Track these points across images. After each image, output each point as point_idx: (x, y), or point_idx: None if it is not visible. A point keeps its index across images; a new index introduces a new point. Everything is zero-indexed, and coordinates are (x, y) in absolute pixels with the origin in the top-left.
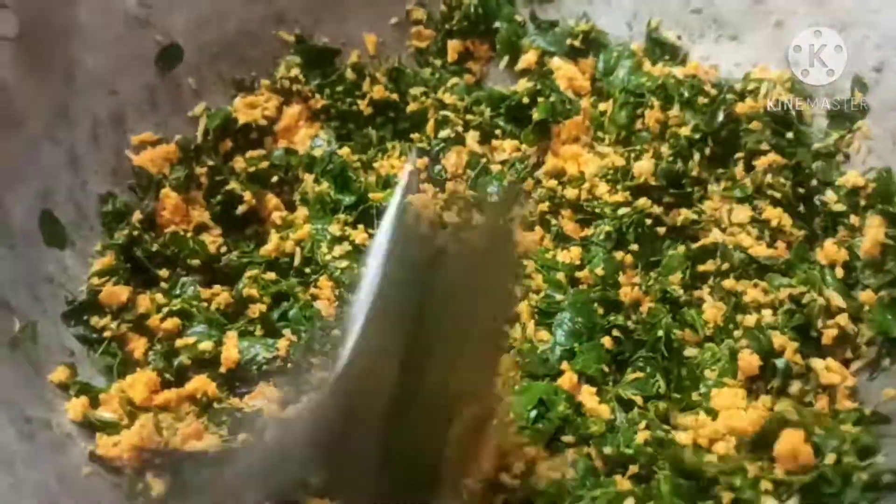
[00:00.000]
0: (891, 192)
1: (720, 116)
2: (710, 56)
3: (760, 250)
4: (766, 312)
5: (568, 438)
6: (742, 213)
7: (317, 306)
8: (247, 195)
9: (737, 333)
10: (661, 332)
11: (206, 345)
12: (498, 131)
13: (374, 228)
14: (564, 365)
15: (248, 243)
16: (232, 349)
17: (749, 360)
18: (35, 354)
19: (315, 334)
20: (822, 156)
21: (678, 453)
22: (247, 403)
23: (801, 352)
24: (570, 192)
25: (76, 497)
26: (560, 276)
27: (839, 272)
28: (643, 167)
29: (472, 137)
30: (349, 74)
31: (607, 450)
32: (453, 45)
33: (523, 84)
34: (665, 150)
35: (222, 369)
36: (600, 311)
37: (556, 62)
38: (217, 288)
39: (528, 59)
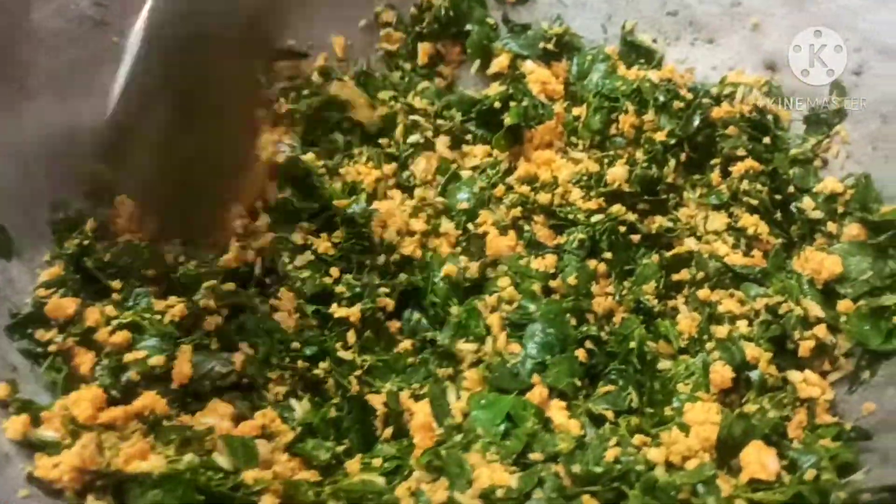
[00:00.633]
0: (869, 199)
1: (696, 121)
2: (686, 59)
3: (736, 259)
4: (742, 323)
5: (536, 456)
6: (718, 220)
7: (276, 318)
8: None
9: (709, 345)
10: (633, 344)
11: (157, 359)
12: (469, 136)
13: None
14: (535, 378)
15: (207, 254)
16: (185, 364)
17: (721, 373)
18: None
19: (274, 348)
20: (800, 161)
21: (649, 472)
22: (198, 420)
23: (778, 364)
24: (543, 198)
25: None
26: (535, 285)
27: (818, 281)
28: (617, 173)
29: (442, 143)
30: (316, 78)
31: (576, 468)
32: (424, 48)
33: (495, 88)
34: (640, 155)
35: (174, 385)
36: (573, 321)
37: (528, 66)
38: (172, 299)
39: (500, 62)
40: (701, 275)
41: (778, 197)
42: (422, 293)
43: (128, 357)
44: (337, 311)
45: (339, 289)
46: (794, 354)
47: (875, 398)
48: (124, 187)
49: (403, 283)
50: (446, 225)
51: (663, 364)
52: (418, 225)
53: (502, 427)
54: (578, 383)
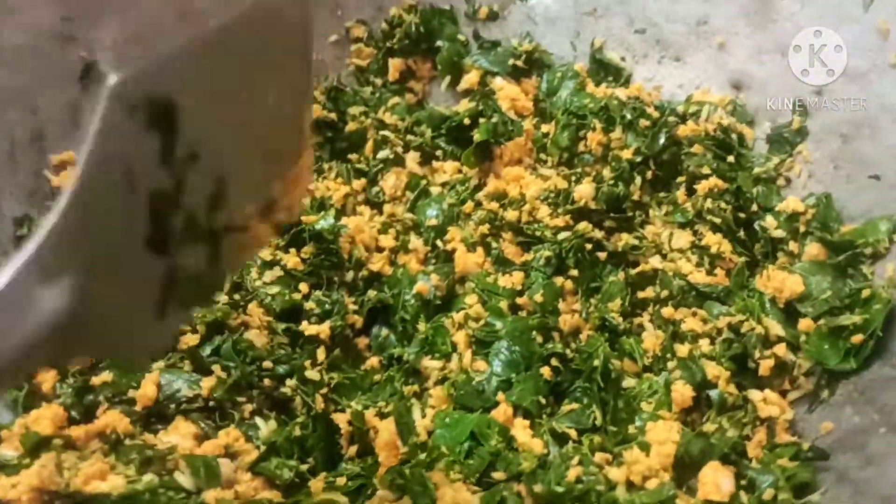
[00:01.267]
0: (830, 219)
1: (662, 139)
2: (653, 77)
3: (700, 277)
4: (704, 342)
5: (499, 475)
6: (683, 238)
7: (248, 337)
8: None
9: (671, 364)
10: (597, 362)
11: (124, 382)
12: (439, 152)
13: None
14: (500, 396)
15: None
16: (149, 385)
17: (682, 392)
18: None
19: (245, 371)
20: (763, 180)
21: (610, 491)
22: (160, 440)
23: (738, 383)
24: (511, 215)
25: None
26: (502, 302)
27: (780, 300)
28: (584, 191)
29: (412, 158)
30: None
31: (537, 487)
32: (394, 64)
33: (465, 104)
34: (607, 173)
35: (137, 407)
36: (539, 339)
37: (498, 82)
38: None
39: (470, 78)
40: (665, 293)
41: (742, 215)
42: (391, 310)
43: (95, 379)
44: (308, 328)
45: (309, 305)
46: (755, 373)
47: (833, 418)
48: None
49: (372, 300)
50: (415, 241)
51: (628, 382)
52: (387, 241)
53: (466, 445)
54: (543, 401)
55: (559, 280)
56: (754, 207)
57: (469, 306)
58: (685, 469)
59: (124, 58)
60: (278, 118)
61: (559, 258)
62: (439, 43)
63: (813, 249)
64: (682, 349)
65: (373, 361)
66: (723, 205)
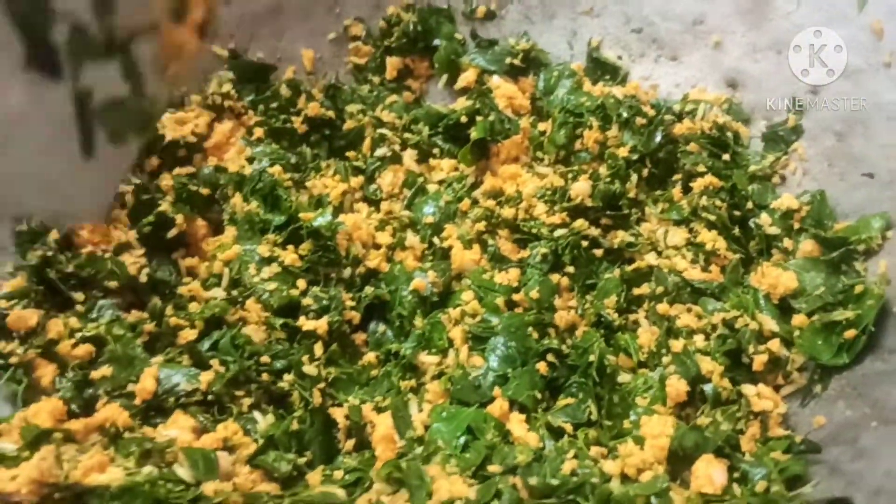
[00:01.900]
0: (823, 216)
1: (658, 137)
2: (650, 76)
3: (695, 274)
4: (699, 338)
5: (495, 468)
6: (678, 235)
7: (246, 332)
8: (178, 219)
9: (666, 359)
10: (593, 358)
11: (123, 376)
12: (436, 150)
13: (305, 250)
14: (496, 391)
15: (171, 269)
16: (148, 379)
17: (676, 387)
18: None
19: (243, 366)
20: (758, 178)
21: (605, 484)
22: (159, 433)
23: (732, 378)
24: (507, 212)
25: None
26: (498, 299)
27: (774, 296)
28: (580, 188)
29: (409, 156)
30: (284, 91)
31: (533, 480)
32: (392, 62)
33: (462, 102)
34: (603, 170)
35: (136, 401)
36: (535, 335)
37: (495, 81)
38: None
39: (467, 77)
40: (660, 289)
41: (737, 213)
42: (388, 306)
43: (94, 374)
44: (305, 323)
45: (307, 301)
46: (749, 369)
47: (826, 412)
48: None
49: (370, 297)
50: (412, 238)
51: (623, 377)
52: (384, 238)
53: (462, 439)
54: (539, 396)
55: (555, 277)
56: (749, 205)
57: (466, 303)
58: (679, 462)
59: None
60: None
61: (555, 255)
62: (437, 41)
63: (807, 246)
64: (677, 345)
65: (370, 357)
66: (718, 202)
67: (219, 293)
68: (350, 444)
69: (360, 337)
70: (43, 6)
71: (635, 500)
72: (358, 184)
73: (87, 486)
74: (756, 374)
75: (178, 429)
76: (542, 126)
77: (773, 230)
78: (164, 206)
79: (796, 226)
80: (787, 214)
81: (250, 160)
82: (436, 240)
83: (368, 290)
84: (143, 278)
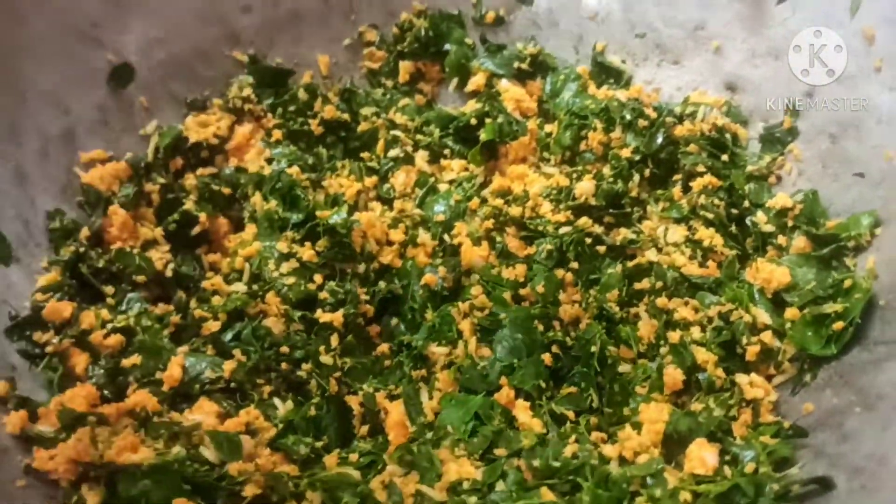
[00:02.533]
0: (816, 214)
1: (659, 138)
2: (653, 80)
3: (693, 269)
4: (695, 329)
5: (500, 451)
6: (678, 233)
7: (266, 324)
8: (202, 217)
9: (664, 350)
10: (595, 349)
11: (152, 365)
12: (447, 151)
13: (322, 246)
14: (503, 380)
15: (195, 264)
16: (175, 368)
17: (673, 375)
18: None
19: (263, 356)
20: (755, 178)
21: (603, 465)
22: (186, 417)
23: (726, 367)
24: (515, 211)
25: None
26: (506, 293)
27: (768, 290)
28: (584, 188)
29: (421, 157)
30: (301, 94)
31: (536, 462)
32: (405, 67)
33: (472, 105)
34: (606, 170)
35: (164, 388)
36: (540, 327)
37: (504, 84)
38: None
39: (476, 80)
40: (660, 284)
41: (734, 211)
42: (401, 300)
43: (125, 362)
44: (322, 316)
45: (323, 295)
46: (742, 359)
47: (814, 399)
48: None
49: (383, 291)
50: (423, 236)
51: (623, 367)
52: (397, 235)
53: (470, 425)
54: (543, 385)
55: (560, 272)
56: (746, 203)
57: (474, 297)
58: (674, 445)
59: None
60: None
61: (560, 251)
62: (447, 46)
63: (800, 243)
64: (675, 336)
65: (383, 348)
66: (716, 201)
67: (240, 287)
68: (364, 429)
69: (374, 329)
70: None
71: (632, 480)
72: (372, 183)
73: (120, 465)
74: (749, 363)
75: (203, 414)
76: (548, 128)
77: (769, 228)
78: (189, 204)
79: (790, 223)
80: (782, 212)
81: (269, 161)
82: (446, 237)
83: (382, 284)
84: (169, 273)
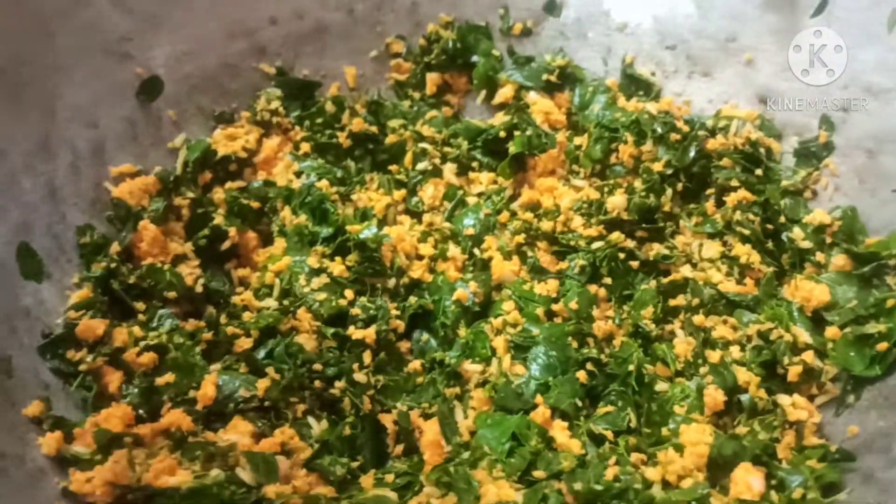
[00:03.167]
0: (855, 231)
1: (692, 152)
2: (683, 92)
3: (729, 286)
4: (734, 349)
5: (539, 473)
6: (712, 248)
7: (298, 340)
8: (231, 231)
9: (703, 369)
10: (632, 367)
11: (185, 383)
12: (475, 164)
13: (352, 261)
14: (538, 399)
15: (224, 279)
16: (209, 386)
17: (714, 396)
18: (9, 388)
19: (297, 373)
20: (791, 193)
21: (647, 490)
22: (220, 437)
23: (768, 388)
24: (546, 225)
25: None
26: (538, 309)
27: (807, 309)
28: (616, 202)
29: (449, 170)
30: (329, 107)
31: (577, 486)
32: (432, 78)
33: (500, 117)
34: (638, 184)
35: (198, 406)
36: (574, 344)
37: (532, 96)
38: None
39: (504, 93)
40: (696, 301)
41: (770, 227)
42: (432, 315)
43: (159, 380)
44: (354, 332)
45: (354, 311)
46: (784, 379)
47: (859, 421)
48: None
49: (413, 306)
50: (453, 250)
51: (660, 386)
52: (426, 249)
53: (507, 445)
54: (579, 404)
55: (593, 288)
56: (782, 219)
57: (507, 313)
58: (718, 469)
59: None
60: None
61: (593, 267)
62: (475, 58)
63: (839, 260)
64: (714, 355)
65: (415, 364)
66: (751, 216)
67: (271, 303)
68: (399, 448)
69: (404, 345)
70: None
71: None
72: (400, 196)
73: (158, 488)
74: (791, 384)
75: (237, 434)
76: (577, 140)
77: (806, 244)
78: (218, 218)
79: (828, 240)
80: (820, 229)
81: (298, 174)
82: (476, 251)
83: (412, 299)
84: (199, 288)
